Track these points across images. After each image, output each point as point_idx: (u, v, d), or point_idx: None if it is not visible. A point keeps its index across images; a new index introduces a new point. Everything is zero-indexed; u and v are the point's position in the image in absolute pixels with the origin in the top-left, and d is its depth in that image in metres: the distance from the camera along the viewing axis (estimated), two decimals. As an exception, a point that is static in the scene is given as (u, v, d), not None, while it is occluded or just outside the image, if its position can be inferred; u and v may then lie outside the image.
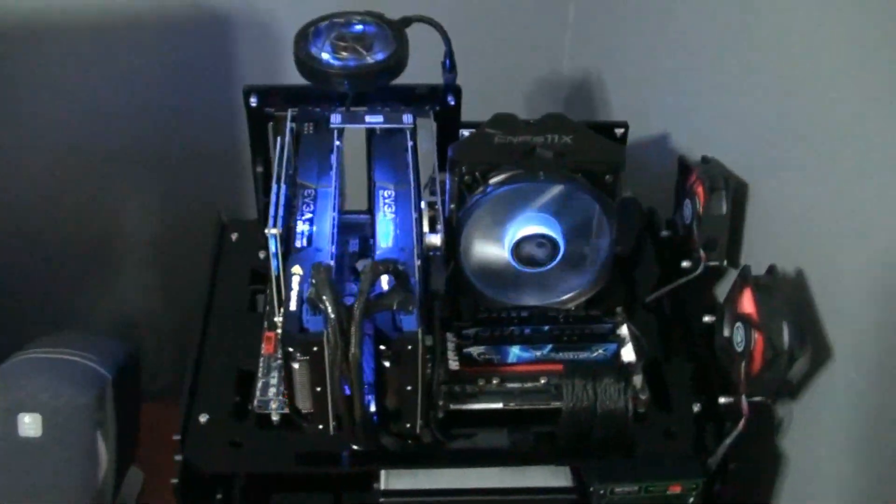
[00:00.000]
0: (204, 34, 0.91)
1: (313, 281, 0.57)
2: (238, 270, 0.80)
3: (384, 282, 0.60)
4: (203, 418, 0.68)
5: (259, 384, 0.69)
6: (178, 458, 0.66)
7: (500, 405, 0.68)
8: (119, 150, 0.96)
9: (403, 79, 0.72)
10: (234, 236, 0.83)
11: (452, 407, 0.67)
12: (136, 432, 0.84)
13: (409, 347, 0.59)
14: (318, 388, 0.61)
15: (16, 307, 1.01)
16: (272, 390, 0.68)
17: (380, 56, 0.67)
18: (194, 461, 0.66)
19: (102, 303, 1.04)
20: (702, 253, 0.74)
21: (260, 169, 0.73)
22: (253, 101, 0.72)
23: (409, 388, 0.62)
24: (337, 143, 0.72)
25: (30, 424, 0.74)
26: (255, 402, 0.68)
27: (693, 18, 0.84)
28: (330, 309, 0.56)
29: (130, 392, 0.82)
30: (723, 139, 0.79)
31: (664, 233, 0.83)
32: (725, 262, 0.76)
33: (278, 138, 0.70)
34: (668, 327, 0.77)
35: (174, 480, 0.65)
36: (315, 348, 0.58)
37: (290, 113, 0.72)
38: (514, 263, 0.67)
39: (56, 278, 1.02)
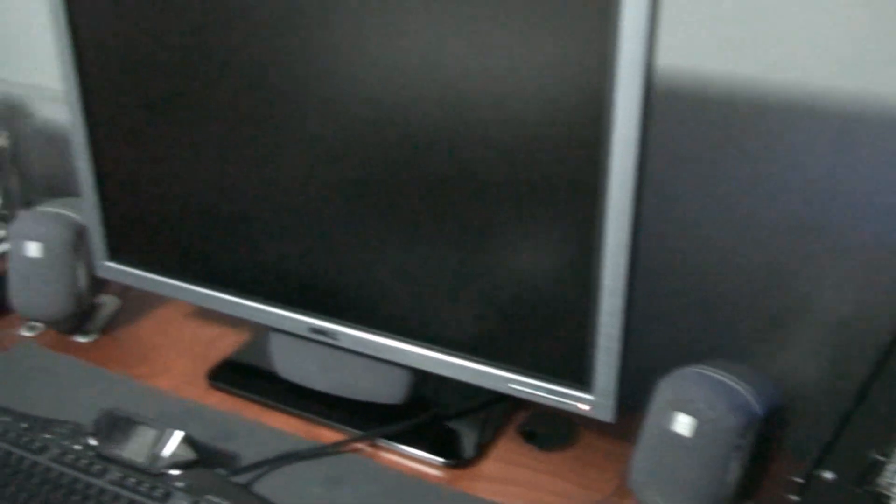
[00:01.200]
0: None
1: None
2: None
3: None
4: (827, 475, 0.73)
5: (892, 467, 0.71)
6: (794, 498, 0.72)
7: None
8: (814, 224, 1.05)
9: None
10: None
11: None
12: (764, 472, 0.91)
13: None
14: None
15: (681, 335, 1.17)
16: (903, 477, 0.70)
17: None
18: (803, 507, 0.72)
19: (765, 353, 1.14)
20: None
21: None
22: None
23: None
24: None
25: (684, 424, 0.87)
26: (882, 482, 0.70)
27: None
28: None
29: (770, 434, 0.89)
30: None
31: None
32: None
33: None
34: None
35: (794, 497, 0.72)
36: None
37: None
38: None
39: (727, 330, 1.15)
